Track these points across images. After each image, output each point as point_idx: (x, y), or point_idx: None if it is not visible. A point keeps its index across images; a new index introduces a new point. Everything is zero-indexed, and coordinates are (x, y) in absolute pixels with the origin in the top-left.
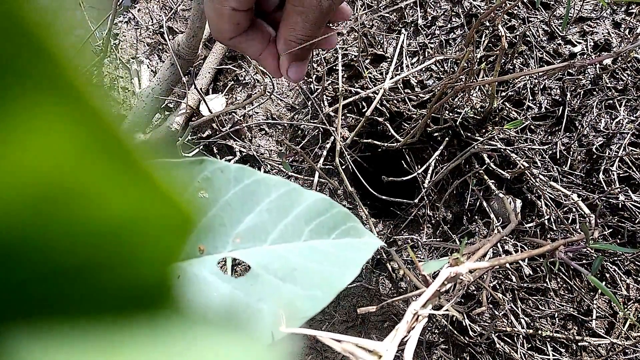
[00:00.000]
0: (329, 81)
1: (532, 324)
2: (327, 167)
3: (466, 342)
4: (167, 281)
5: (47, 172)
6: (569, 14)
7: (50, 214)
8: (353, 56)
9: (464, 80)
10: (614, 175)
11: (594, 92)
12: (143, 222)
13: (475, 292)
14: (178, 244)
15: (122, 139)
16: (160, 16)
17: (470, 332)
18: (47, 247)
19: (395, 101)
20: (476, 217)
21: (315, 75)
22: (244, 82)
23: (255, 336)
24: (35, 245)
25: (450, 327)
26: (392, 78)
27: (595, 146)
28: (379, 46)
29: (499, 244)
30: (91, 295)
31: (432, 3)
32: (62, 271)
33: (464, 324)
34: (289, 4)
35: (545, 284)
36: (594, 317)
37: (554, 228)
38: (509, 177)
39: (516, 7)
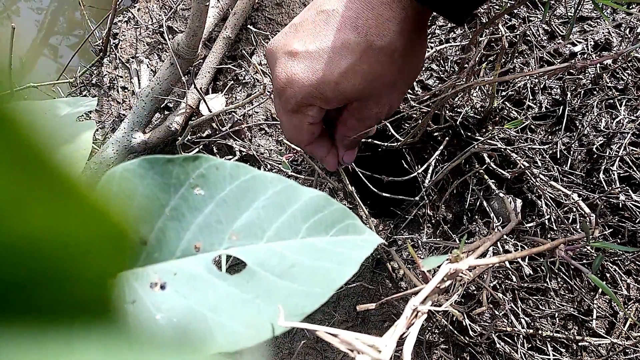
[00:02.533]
0: None
1: (532, 324)
2: None
3: (466, 342)
4: (106, 297)
5: None
6: (570, 14)
7: None
8: None
9: (464, 80)
10: (614, 174)
11: (595, 92)
12: (74, 239)
13: (475, 292)
14: (114, 259)
15: (45, 155)
16: (160, 16)
17: (471, 332)
18: None
19: None
20: (476, 216)
21: None
22: (243, 81)
23: (203, 351)
24: None
25: (451, 327)
26: None
27: (595, 146)
28: None
29: (498, 244)
30: (30, 310)
31: None
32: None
33: (464, 324)
34: (348, 112)
35: (545, 284)
36: (595, 317)
37: (555, 228)
38: (509, 177)
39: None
